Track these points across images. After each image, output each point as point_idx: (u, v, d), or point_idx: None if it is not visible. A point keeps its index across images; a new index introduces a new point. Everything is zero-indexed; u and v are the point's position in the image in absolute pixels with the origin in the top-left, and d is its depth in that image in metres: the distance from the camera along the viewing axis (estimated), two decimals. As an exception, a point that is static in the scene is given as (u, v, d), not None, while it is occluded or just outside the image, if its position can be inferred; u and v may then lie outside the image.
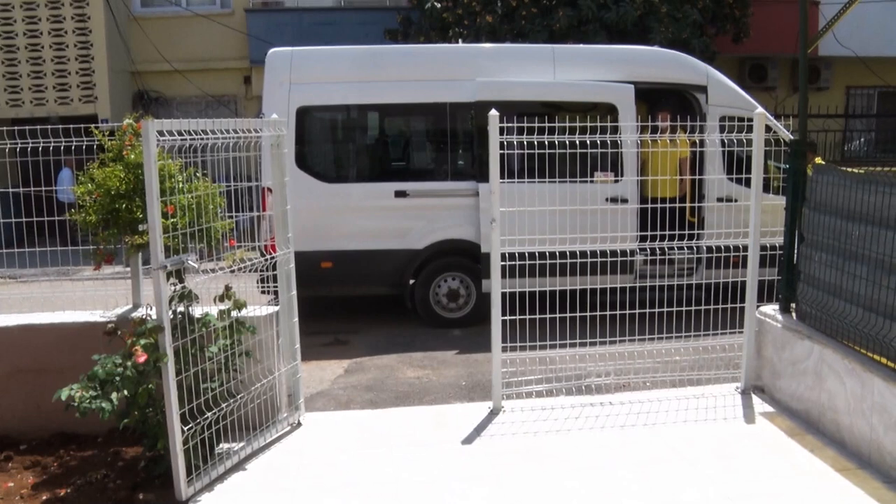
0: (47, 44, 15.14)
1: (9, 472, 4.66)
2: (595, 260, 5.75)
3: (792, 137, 5.84)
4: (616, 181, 8.13)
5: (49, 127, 5.41)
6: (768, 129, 5.72)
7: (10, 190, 5.92)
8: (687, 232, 6.58)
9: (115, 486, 4.39)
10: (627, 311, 6.11)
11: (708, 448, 4.86)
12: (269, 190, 5.34)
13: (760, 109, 5.85)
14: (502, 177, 5.27)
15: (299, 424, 5.34)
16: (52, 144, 5.32)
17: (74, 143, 5.36)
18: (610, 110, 8.10)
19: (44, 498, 4.31)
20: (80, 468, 4.66)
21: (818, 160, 5.28)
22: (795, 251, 5.56)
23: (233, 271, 4.73)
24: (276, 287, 5.27)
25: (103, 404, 4.16)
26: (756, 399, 5.64)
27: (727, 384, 5.89)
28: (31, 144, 5.32)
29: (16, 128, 5.35)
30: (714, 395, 5.72)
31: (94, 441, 5.00)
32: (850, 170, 4.91)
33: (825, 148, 14.95)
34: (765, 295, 5.86)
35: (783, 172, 5.86)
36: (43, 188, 5.54)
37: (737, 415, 5.40)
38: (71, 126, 5.42)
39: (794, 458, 4.70)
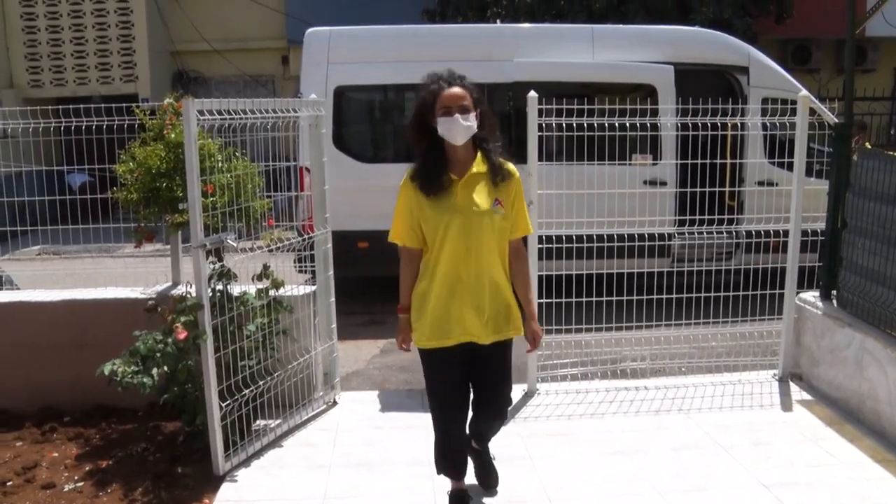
0: (90, 24, 15.36)
1: (53, 443, 4.79)
2: (632, 243, 5.70)
3: (836, 121, 5.70)
4: (654, 164, 8.03)
5: (92, 106, 5.49)
6: (812, 112, 5.59)
7: (55, 168, 6.03)
8: (727, 216, 6.49)
9: (154, 460, 4.49)
10: (664, 296, 6.07)
11: (743, 435, 4.82)
12: (307, 170, 5.36)
13: (804, 92, 5.73)
14: (539, 159, 5.24)
15: (335, 403, 5.39)
16: (95, 123, 5.40)
17: (116, 122, 5.44)
18: (649, 92, 7.99)
19: (87, 469, 4.42)
20: (121, 441, 4.77)
21: (867, 144, 5.16)
22: (838, 237, 5.45)
23: (270, 251, 4.78)
24: (314, 267, 5.31)
25: (144, 379, 4.26)
26: (794, 387, 5.57)
27: (764, 371, 5.82)
28: (74, 123, 5.40)
29: (60, 107, 5.44)
30: (751, 381, 5.66)
31: (135, 415, 5.11)
32: (897, 154, 4.80)
33: (871, 132, 14.60)
34: (805, 281, 5.76)
35: (826, 156, 5.73)
36: (87, 166, 5.60)
37: (774, 402, 5.34)
38: (113, 105, 5.49)
39: (831, 447, 4.64)
